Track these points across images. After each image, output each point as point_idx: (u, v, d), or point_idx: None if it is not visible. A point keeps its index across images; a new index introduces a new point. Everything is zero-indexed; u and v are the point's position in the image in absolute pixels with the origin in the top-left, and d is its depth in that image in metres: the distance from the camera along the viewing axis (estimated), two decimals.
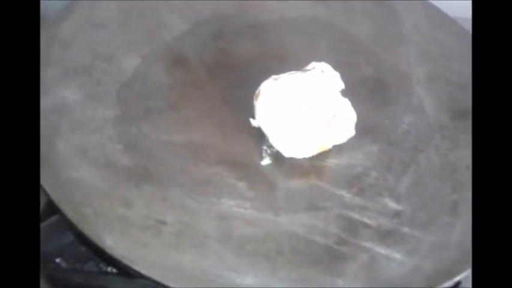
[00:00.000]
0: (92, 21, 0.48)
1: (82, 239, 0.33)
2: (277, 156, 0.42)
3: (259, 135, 0.43)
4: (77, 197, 0.34)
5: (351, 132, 0.43)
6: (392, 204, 0.39)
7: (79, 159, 0.37)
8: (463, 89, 0.47)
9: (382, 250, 0.35)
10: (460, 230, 0.37)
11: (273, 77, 0.44)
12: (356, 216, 0.37)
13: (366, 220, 0.37)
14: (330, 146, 0.42)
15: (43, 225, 0.34)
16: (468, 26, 0.52)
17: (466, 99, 0.47)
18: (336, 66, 0.44)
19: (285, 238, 0.35)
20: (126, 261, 0.31)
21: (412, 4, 0.54)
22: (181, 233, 0.34)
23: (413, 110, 0.46)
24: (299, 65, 0.45)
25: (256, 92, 0.44)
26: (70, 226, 0.33)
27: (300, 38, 0.51)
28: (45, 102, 0.39)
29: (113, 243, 0.32)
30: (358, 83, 0.47)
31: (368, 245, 0.35)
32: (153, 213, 0.35)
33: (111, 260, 0.32)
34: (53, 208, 0.34)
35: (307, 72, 0.44)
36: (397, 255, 0.35)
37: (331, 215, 0.37)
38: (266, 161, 0.42)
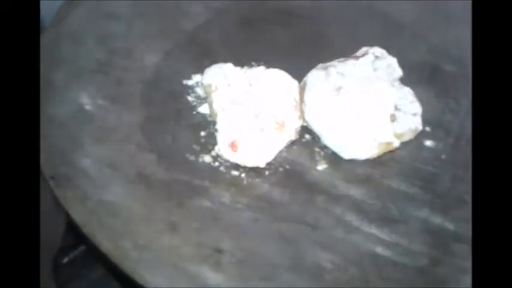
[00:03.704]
0: (102, 12, 0.42)
1: (123, 278, 0.26)
2: (333, 159, 0.35)
3: (309, 136, 0.37)
4: (112, 224, 0.27)
5: (418, 126, 0.37)
6: None
7: (108, 176, 0.30)
8: None
9: None
10: None
11: (321, 65, 0.38)
12: (441, 227, 0.31)
13: (455, 232, 0.31)
14: (396, 144, 0.36)
15: (65, 260, 0.28)
16: None
17: None
18: None
19: (367, 262, 0.29)
20: None
21: None
22: (244, 263, 0.28)
23: None
24: (342, 53, 0.39)
25: (302, 83, 0.38)
26: (103, 260, 0.27)
27: (337, 24, 0.45)
28: (59, 110, 0.32)
29: (163, 282, 0.25)
30: (411, 70, 0.41)
31: (467, 263, 0.29)
32: (206, 239, 0.29)
33: None
34: (78, 238, 0.28)
35: (360, 58, 0.38)
36: None
37: (413, 228, 0.31)
38: (322, 166, 0.36)
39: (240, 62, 0.38)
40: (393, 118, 0.36)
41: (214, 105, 0.35)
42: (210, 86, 0.36)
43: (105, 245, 0.26)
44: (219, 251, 0.28)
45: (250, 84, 0.36)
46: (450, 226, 0.32)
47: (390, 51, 0.39)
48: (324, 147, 0.36)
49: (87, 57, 0.38)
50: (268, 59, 0.40)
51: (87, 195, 0.29)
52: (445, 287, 0.28)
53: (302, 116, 0.37)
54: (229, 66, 0.38)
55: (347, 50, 0.39)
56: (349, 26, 0.45)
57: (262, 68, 0.37)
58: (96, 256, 0.27)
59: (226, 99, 0.35)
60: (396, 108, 0.36)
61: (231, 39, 0.43)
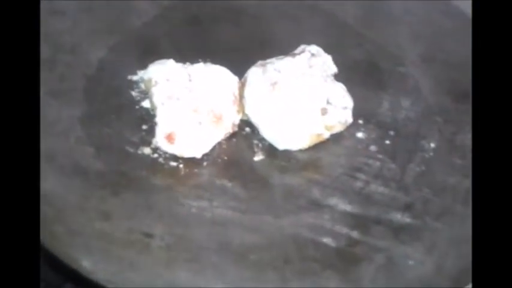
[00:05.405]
0: (48, 8, 0.42)
1: (54, 262, 0.28)
2: (270, 151, 0.37)
3: (249, 129, 0.38)
4: (45, 212, 0.29)
5: (348, 119, 0.39)
6: (401, 196, 0.35)
7: (45, 167, 0.31)
8: (461, 70, 0.44)
9: (398, 248, 0.32)
10: None
11: (260, 62, 0.40)
12: (363, 212, 0.34)
13: (375, 216, 0.34)
14: (327, 135, 0.38)
15: None
16: (461, 5, 0.50)
17: (466, 80, 0.44)
18: (324, 51, 0.41)
19: (291, 243, 0.31)
20: (109, 286, 0.27)
21: None
22: (172, 246, 0.30)
23: (410, 93, 0.43)
24: (284, 50, 0.41)
25: (242, 80, 0.40)
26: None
27: (283, 22, 0.47)
28: None
29: (91, 265, 0.27)
30: (350, 67, 0.44)
31: (382, 243, 0.32)
32: (137, 226, 0.30)
33: (90, 285, 0.27)
34: None
35: (297, 56, 0.40)
36: (416, 254, 0.31)
37: (337, 213, 0.34)
38: (259, 157, 0.38)
39: (186, 59, 0.40)
40: (324, 111, 0.38)
41: (154, 99, 0.37)
42: (150, 80, 0.38)
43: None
44: (149, 236, 0.30)
45: (190, 80, 0.38)
46: (373, 211, 0.34)
47: (330, 49, 0.41)
48: (262, 139, 0.38)
49: None
50: (214, 56, 0.41)
51: None
52: (360, 264, 0.30)
53: (242, 110, 0.39)
54: (170, 62, 0.39)
55: (289, 48, 0.41)
56: (292, 25, 0.47)
57: (202, 64, 0.39)
58: None
59: (166, 94, 0.36)
60: (328, 103, 0.38)
61: (178, 36, 0.45)
